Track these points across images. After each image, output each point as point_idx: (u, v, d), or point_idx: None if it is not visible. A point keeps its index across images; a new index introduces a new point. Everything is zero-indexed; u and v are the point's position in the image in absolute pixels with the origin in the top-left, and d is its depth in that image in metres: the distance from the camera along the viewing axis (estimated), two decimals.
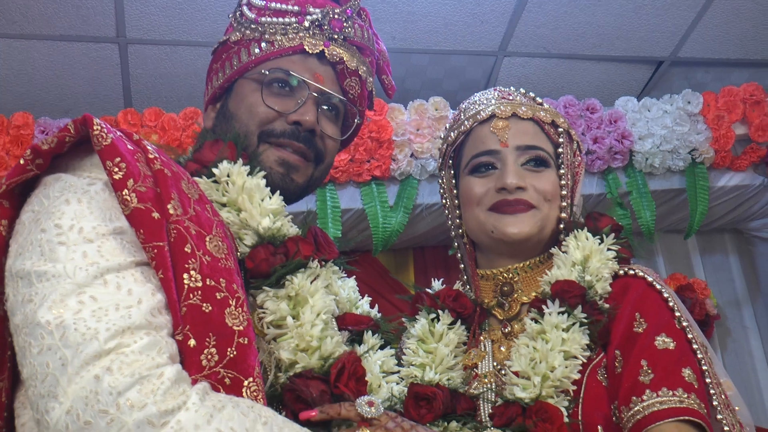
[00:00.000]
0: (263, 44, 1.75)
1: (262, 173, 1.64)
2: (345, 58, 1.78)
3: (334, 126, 1.81)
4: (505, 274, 1.84)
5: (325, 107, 1.77)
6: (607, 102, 4.62)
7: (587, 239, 1.76)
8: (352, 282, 1.80)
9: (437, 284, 1.93)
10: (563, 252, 1.77)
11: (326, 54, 1.76)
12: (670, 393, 1.52)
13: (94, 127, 1.33)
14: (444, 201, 1.98)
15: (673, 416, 1.49)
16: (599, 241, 1.76)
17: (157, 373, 1.15)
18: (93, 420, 1.10)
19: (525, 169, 1.82)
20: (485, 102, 1.90)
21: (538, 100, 1.93)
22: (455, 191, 1.92)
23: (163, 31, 4.00)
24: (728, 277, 5.19)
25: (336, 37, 1.77)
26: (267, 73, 1.73)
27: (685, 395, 1.51)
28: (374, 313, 1.79)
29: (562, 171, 1.84)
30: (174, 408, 1.13)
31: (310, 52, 1.74)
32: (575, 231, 1.79)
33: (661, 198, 4.61)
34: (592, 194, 4.44)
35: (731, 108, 4.51)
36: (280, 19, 1.75)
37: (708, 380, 1.59)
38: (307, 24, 1.75)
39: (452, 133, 1.93)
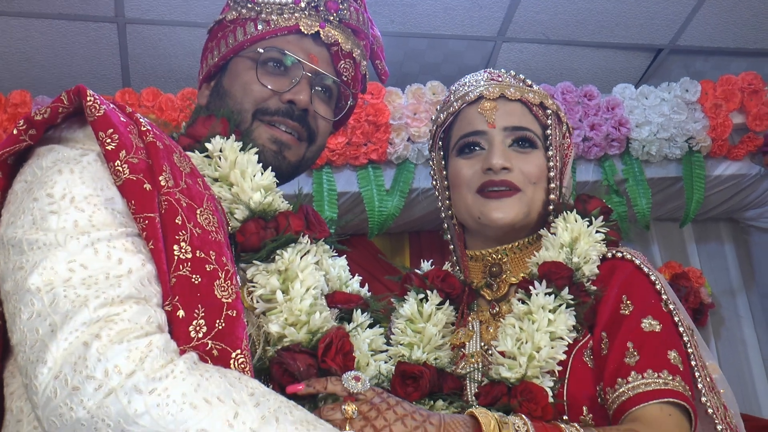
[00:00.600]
0: (259, 23, 1.75)
1: (255, 149, 1.65)
2: (340, 40, 1.78)
3: (327, 107, 1.82)
4: (494, 255, 1.85)
5: (318, 88, 1.79)
6: (605, 89, 4.61)
7: (576, 221, 1.77)
8: (342, 261, 1.80)
9: (426, 265, 1.94)
10: (552, 233, 1.78)
11: (321, 35, 1.76)
12: (655, 375, 1.53)
13: (88, 98, 1.34)
14: (434, 182, 1.99)
15: (658, 398, 1.51)
16: (588, 223, 1.77)
17: (146, 342, 1.16)
18: (81, 385, 1.11)
19: (512, 150, 1.82)
20: (474, 83, 1.91)
21: (528, 81, 1.93)
22: (444, 172, 1.93)
23: (161, 11, 3.99)
24: (723, 266, 5.21)
25: (331, 18, 1.78)
26: (262, 51, 1.74)
27: (670, 377, 1.53)
28: (364, 292, 1.79)
29: (550, 153, 1.85)
30: (161, 376, 1.14)
31: (306, 32, 1.75)
32: (564, 213, 1.80)
33: (658, 186, 4.61)
34: (588, 181, 4.45)
35: (729, 97, 4.51)
36: None
37: (693, 363, 1.61)
38: (303, 4, 1.76)
39: (441, 115, 1.94)
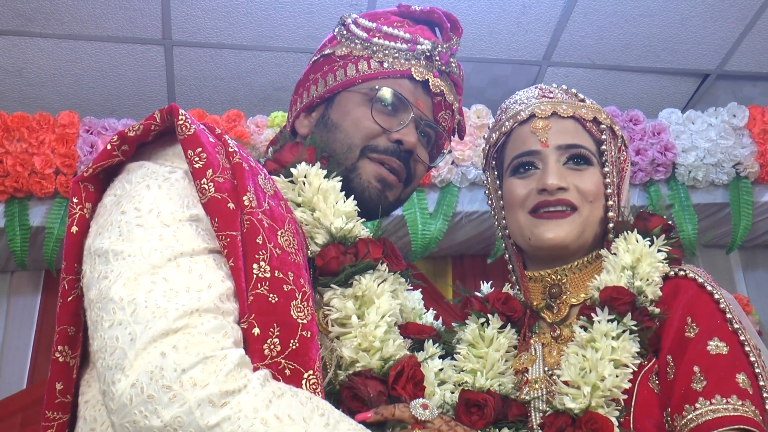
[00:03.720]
0: (372, 63, 1.80)
1: (338, 177, 1.68)
2: (445, 91, 1.83)
3: (426, 152, 1.86)
4: (553, 276, 1.82)
5: (421, 134, 1.82)
6: (651, 114, 4.57)
7: (637, 242, 1.73)
8: (417, 294, 1.83)
9: (486, 287, 1.91)
10: (612, 254, 1.75)
11: (430, 84, 1.81)
12: (724, 401, 1.49)
13: (179, 118, 1.40)
14: (489, 202, 1.98)
15: (727, 425, 1.47)
16: (649, 242, 1.73)
17: (221, 355, 1.19)
18: (156, 394, 1.14)
19: (567, 169, 1.80)
20: (525, 101, 1.89)
21: (580, 96, 1.90)
22: (499, 192, 1.91)
23: (208, 34, 4.04)
24: None
25: (442, 69, 1.82)
26: (378, 89, 1.77)
27: (740, 402, 1.49)
28: (437, 324, 1.82)
29: (606, 169, 1.82)
30: (235, 390, 1.17)
31: (418, 79, 1.79)
32: (625, 232, 1.76)
33: (704, 212, 4.56)
34: (633, 206, 4.36)
35: None
36: (392, 44, 1.80)
37: (762, 383, 1.56)
38: (417, 53, 1.81)
39: (494, 134, 1.92)
